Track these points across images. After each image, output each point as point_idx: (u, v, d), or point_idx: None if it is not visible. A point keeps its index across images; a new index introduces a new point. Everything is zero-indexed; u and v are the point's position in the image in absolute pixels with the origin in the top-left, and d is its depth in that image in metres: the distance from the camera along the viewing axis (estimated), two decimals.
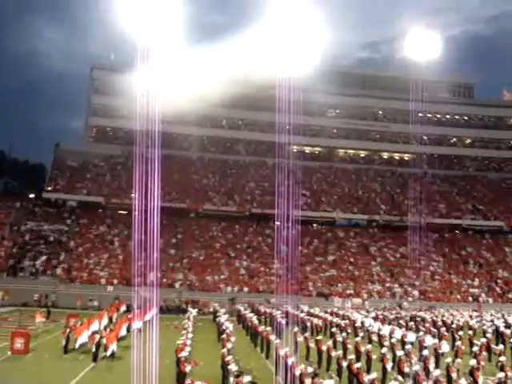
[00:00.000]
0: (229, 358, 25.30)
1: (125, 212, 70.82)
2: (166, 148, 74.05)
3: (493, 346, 34.19)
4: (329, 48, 73.57)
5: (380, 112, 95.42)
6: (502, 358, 27.91)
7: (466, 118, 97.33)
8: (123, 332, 36.62)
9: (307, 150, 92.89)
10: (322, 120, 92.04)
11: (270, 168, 79.35)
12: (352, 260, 73.38)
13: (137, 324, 35.65)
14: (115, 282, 61.51)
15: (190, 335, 32.01)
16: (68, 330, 33.14)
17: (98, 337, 31.16)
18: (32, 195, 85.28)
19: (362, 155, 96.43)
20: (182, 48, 75.92)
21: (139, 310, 38.65)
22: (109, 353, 30.56)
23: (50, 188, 76.89)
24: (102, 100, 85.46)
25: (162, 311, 55.70)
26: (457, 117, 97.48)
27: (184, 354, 25.76)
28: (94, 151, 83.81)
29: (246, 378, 22.41)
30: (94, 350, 30.35)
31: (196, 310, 50.46)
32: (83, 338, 33.34)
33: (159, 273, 63.52)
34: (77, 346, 32.72)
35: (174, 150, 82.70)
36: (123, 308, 50.18)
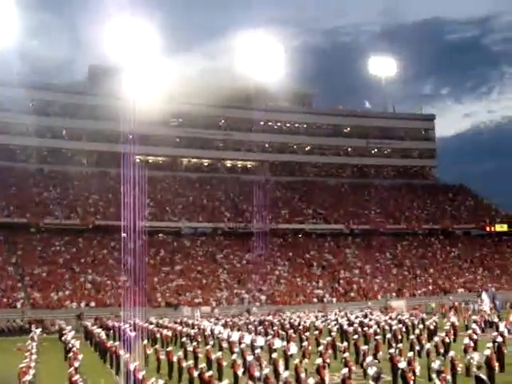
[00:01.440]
0: (76, 377, 24.40)
1: None
2: (1, 160, 71.26)
3: (338, 343, 35.43)
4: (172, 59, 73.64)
5: (223, 121, 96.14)
6: (346, 355, 29.10)
7: (305, 126, 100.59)
8: None
9: (150, 159, 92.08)
10: (165, 129, 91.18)
11: (114, 179, 77.57)
12: (199, 268, 73.34)
13: None
14: None
15: (34, 357, 30.50)
16: None
17: None
18: None
19: (206, 164, 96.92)
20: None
21: None
22: None
23: None
24: None
25: (4, 333, 53.17)
26: (297, 125, 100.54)
27: (28, 377, 24.54)
28: None
29: None
30: None
31: (40, 329, 48.31)
32: None
33: None
34: None
35: (10, 162, 79.09)
36: None
